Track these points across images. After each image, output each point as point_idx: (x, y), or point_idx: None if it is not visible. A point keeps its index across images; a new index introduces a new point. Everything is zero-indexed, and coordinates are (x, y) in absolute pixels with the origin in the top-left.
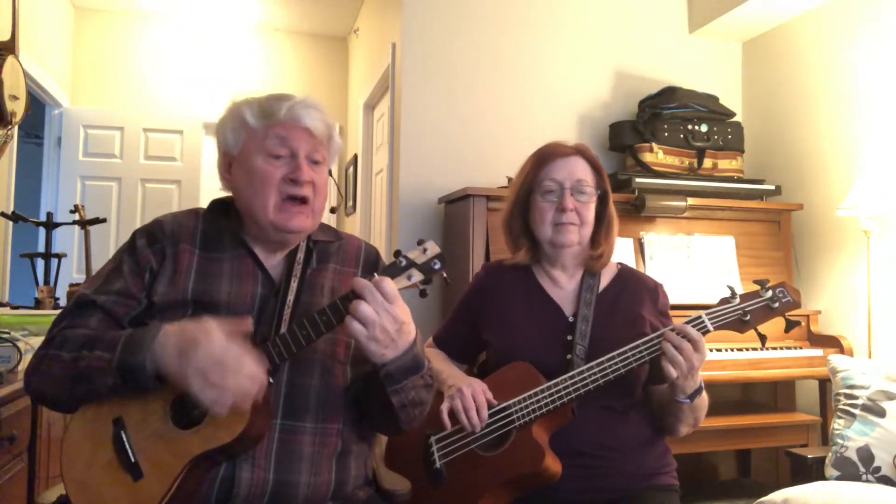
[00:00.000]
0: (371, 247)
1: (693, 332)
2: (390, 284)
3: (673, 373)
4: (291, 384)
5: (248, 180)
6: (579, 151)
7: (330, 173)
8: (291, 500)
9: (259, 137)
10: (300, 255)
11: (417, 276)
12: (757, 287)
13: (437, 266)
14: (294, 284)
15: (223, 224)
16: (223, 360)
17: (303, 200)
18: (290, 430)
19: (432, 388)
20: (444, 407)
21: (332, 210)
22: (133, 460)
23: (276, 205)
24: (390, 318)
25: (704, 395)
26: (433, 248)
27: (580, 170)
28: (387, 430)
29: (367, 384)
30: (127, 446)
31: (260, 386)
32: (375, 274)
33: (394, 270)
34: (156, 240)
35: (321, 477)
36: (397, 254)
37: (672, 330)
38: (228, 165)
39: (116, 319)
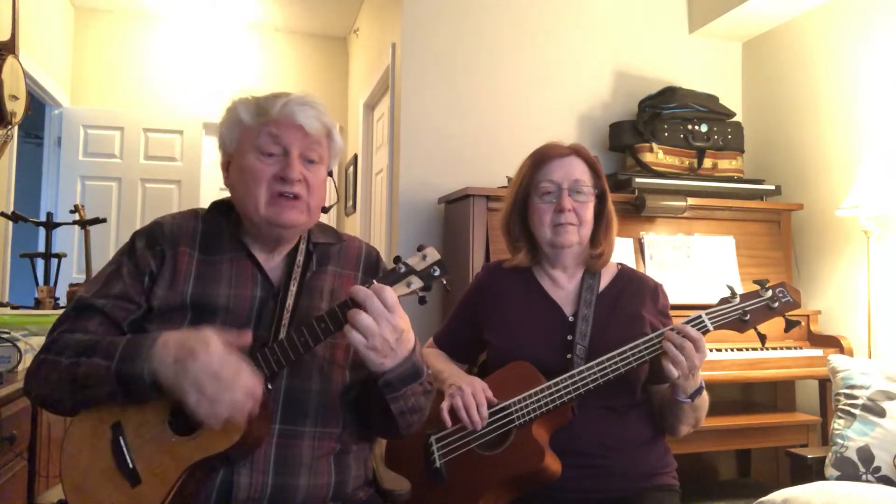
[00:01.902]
0: (372, 248)
1: (693, 331)
2: (391, 293)
3: (674, 372)
4: (290, 389)
5: (240, 178)
6: (575, 151)
7: (331, 174)
8: (290, 502)
9: (253, 135)
10: (300, 258)
11: (417, 283)
12: (757, 287)
13: (437, 273)
14: (293, 288)
15: (223, 225)
16: (220, 373)
17: (295, 198)
18: (288, 435)
19: (431, 394)
20: (445, 405)
21: (325, 210)
22: (131, 466)
23: (267, 201)
24: (390, 328)
25: (705, 394)
26: (433, 255)
27: (577, 170)
28: (385, 435)
29: (365, 389)
30: (125, 452)
31: (255, 402)
32: (374, 281)
33: (393, 277)
34: (156, 242)
35: (320, 479)
36: (397, 260)
37: (672, 329)
38: (227, 164)
39: (116, 323)
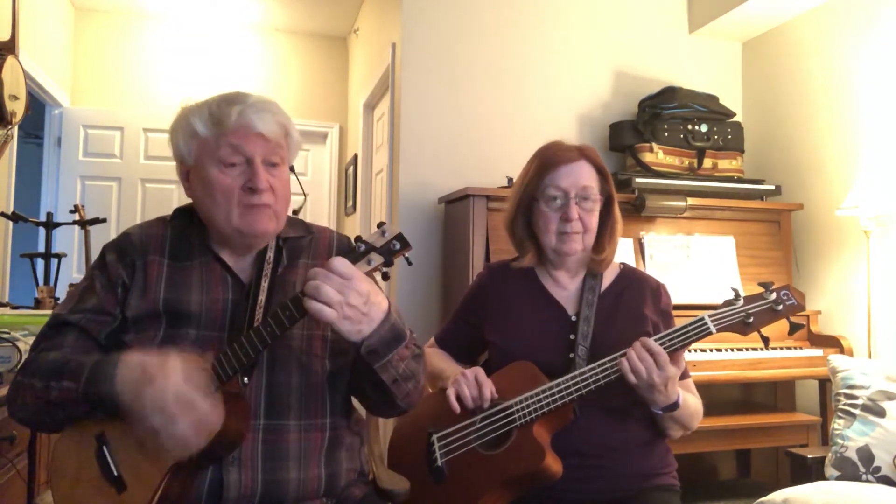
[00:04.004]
0: (344, 237)
1: (656, 346)
2: (340, 260)
3: (632, 379)
4: (271, 384)
5: (205, 191)
6: (584, 155)
7: (292, 169)
8: (282, 499)
9: (211, 147)
10: (270, 255)
11: (377, 260)
12: (761, 289)
13: (397, 247)
14: (265, 285)
15: (189, 231)
16: (167, 407)
17: (264, 206)
18: (274, 430)
19: (421, 359)
20: (451, 392)
21: (295, 213)
22: (116, 473)
23: (238, 214)
24: (353, 293)
25: (692, 404)
26: (392, 231)
27: (586, 176)
28: (386, 412)
29: (356, 369)
30: (109, 460)
31: (207, 435)
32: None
33: (353, 256)
34: (125, 254)
35: (311, 472)
36: (357, 239)
37: (639, 342)
38: (186, 174)
39: (92, 337)
